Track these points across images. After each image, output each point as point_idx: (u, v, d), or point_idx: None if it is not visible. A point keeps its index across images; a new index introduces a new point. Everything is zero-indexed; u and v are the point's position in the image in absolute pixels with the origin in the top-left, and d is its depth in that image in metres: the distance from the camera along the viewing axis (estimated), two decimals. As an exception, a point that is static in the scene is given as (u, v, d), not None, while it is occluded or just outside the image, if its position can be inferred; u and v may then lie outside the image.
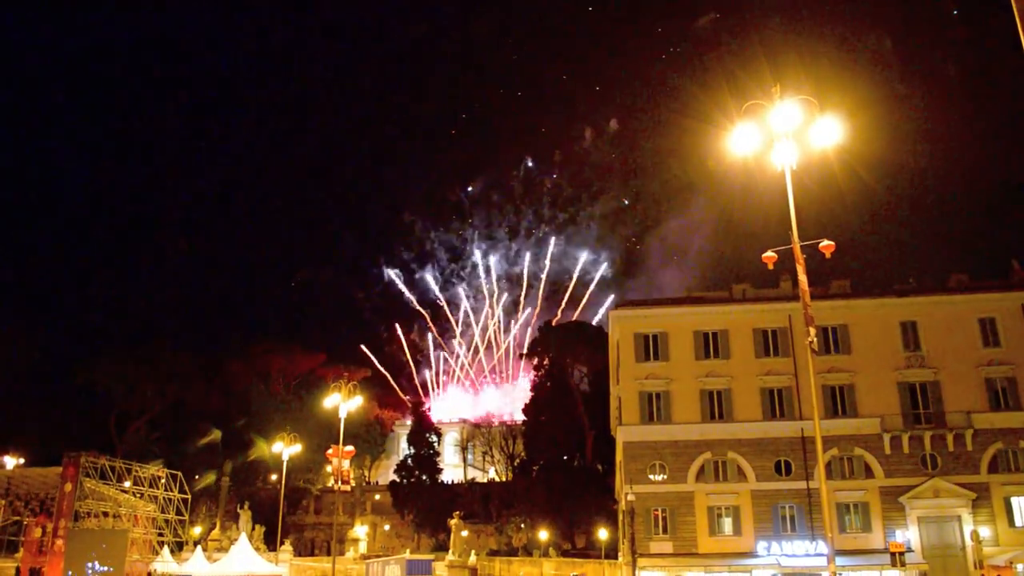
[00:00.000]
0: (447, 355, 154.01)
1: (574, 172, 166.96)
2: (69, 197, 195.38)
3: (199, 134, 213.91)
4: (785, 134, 17.37)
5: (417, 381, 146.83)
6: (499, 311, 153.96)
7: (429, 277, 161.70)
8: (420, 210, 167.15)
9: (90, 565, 38.92)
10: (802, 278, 17.91)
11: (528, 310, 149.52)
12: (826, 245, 19.17)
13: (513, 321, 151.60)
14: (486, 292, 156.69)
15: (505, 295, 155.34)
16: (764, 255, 20.04)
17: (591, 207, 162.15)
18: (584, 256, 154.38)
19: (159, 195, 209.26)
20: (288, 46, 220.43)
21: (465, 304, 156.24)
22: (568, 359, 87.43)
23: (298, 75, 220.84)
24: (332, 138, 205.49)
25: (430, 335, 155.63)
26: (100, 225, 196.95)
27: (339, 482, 40.86)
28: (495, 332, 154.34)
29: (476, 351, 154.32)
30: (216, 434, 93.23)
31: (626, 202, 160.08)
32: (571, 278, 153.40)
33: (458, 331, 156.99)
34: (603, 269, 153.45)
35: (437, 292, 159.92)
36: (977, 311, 49.36)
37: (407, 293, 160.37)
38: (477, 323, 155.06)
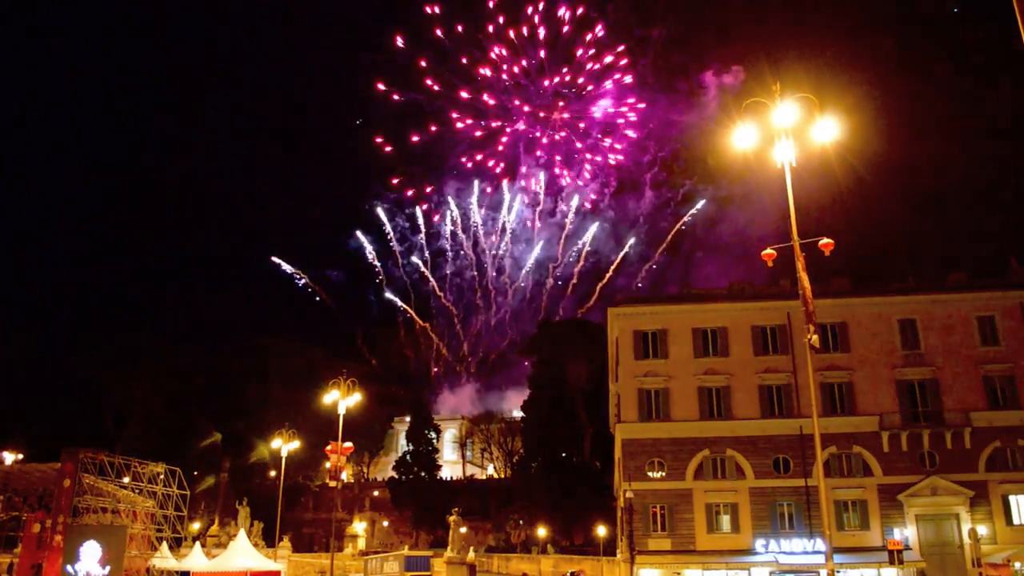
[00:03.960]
0: (448, 351, 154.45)
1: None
2: (68, 194, 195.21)
3: (197, 128, 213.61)
4: (785, 132, 17.38)
5: (418, 377, 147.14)
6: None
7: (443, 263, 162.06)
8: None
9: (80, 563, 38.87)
10: (802, 276, 17.89)
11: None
12: (825, 243, 19.16)
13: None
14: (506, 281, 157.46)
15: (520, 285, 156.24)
16: (763, 252, 20.01)
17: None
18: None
19: (159, 190, 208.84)
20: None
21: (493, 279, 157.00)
22: (567, 356, 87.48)
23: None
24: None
25: (432, 329, 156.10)
26: (99, 221, 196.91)
27: (334, 477, 40.90)
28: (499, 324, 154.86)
29: (478, 347, 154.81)
30: (217, 436, 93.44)
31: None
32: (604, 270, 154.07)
33: (461, 328, 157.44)
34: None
35: (444, 287, 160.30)
36: (976, 309, 49.38)
37: (410, 289, 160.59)
38: (484, 315, 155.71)
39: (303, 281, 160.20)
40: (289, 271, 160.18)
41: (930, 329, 49.35)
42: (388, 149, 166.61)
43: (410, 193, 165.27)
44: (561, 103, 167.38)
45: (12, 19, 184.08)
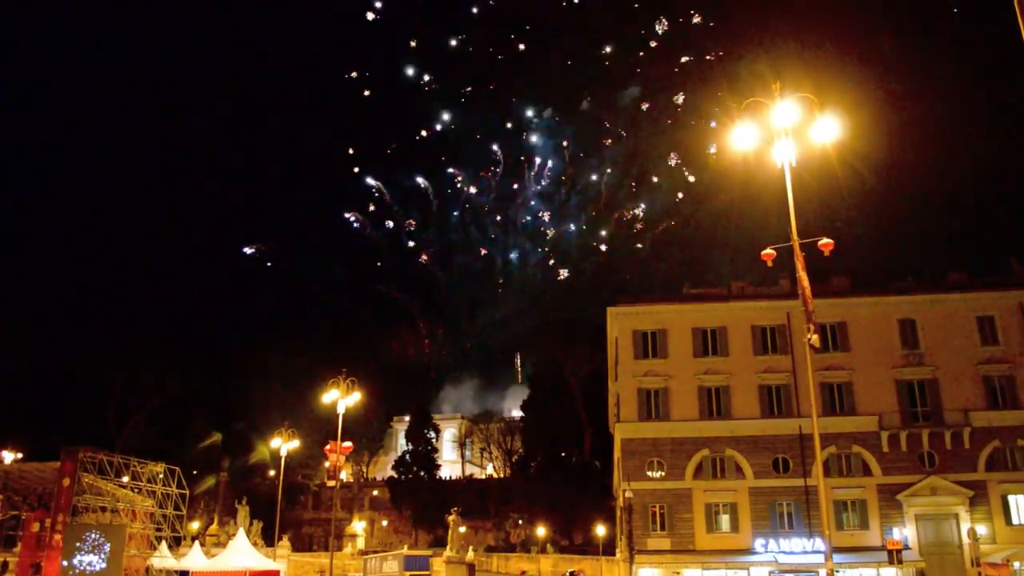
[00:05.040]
0: (449, 350, 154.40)
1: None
2: (67, 193, 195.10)
3: (198, 126, 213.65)
4: (785, 131, 17.35)
5: (417, 376, 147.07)
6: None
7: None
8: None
9: (79, 560, 38.87)
10: (802, 276, 17.86)
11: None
12: (825, 243, 19.13)
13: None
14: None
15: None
16: (763, 252, 19.97)
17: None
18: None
19: (158, 190, 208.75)
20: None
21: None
22: (566, 356, 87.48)
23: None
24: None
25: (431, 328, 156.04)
26: (99, 219, 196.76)
27: (333, 477, 40.88)
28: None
29: (479, 346, 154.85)
30: (217, 437, 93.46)
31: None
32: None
33: (463, 326, 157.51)
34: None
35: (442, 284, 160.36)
36: (975, 309, 49.39)
37: (412, 287, 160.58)
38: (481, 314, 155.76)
39: (302, 278, 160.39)
40: (287, 268, 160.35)
41: (930, 329, 49.35)
42: (397, 139, 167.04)
43: (420, 181, 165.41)
44: (586, 93, 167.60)
45: (11, 16, 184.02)
